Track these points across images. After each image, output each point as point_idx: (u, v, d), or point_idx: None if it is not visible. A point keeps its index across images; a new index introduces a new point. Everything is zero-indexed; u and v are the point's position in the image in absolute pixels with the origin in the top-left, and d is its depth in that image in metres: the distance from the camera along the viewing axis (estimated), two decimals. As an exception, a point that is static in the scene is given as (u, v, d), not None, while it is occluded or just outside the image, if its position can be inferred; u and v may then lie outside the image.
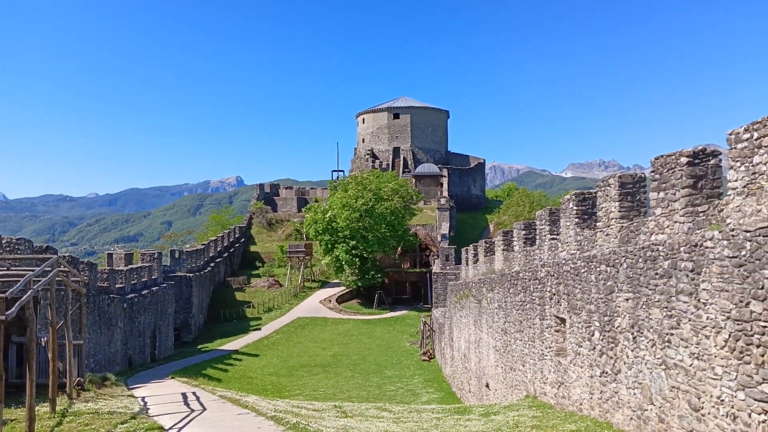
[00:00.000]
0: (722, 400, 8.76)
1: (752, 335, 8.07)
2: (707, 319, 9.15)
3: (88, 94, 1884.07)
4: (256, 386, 34.00)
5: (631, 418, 11.78)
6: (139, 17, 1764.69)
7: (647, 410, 11.14)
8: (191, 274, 56.20)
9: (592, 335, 13.81)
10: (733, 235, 8.46)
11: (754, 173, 8.29)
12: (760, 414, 7.93)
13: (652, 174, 11.14)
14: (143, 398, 20.84)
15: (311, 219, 66.06)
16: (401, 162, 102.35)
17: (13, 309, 12.68)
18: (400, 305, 65.03)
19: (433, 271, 59.31)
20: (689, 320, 9.66)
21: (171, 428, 15.19)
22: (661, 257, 10.58)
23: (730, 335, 8.56)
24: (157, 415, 16.92)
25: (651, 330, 10.99)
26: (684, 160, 10.09)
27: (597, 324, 13.54)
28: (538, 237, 18.97)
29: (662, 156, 10.80)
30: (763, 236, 7.79)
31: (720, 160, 10.11)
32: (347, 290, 67.96)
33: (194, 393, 22.85)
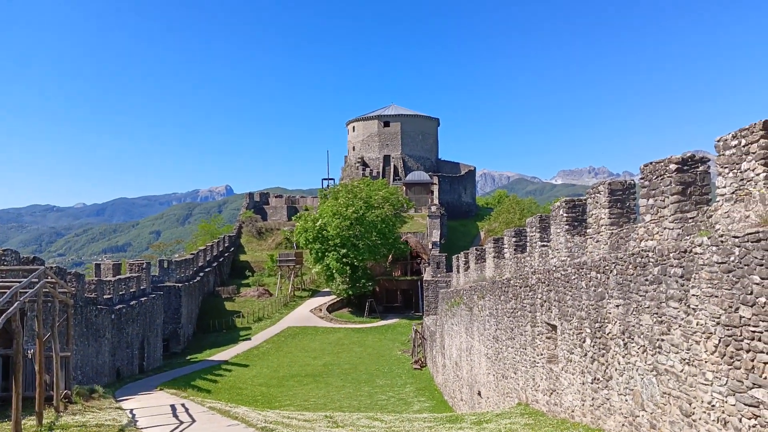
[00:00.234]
0: (713, 406, 8.77)
1: (742, 340, 8.09)
2: (697, 324, 9.17)
3: (75, 102, 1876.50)
4: (246, 397, 33.73)
5: (623, 425, 11.77)
6: (128, 25, 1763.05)
7: (639, 416, 11.13)
8: (180, 284, 55.82)
9: (584, 342, 13.82)
10: (722, 241, 8.50)
11: (742, 179, 8.35)
12: (750, 419, 7.94)
13: (642, 181, 11.20)
14: (131, 410, 20.60)
15: (301, 227, 65.89)
16: (392, 170, 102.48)
17: (-1, 321, 12.50)
18: (392, 313, 64.88)
19: (424, 278, 59.26)
20: (679, 326, 9.68)
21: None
22: (650, 263, 10.61)
23: (720, 341, 8.58)
24: (146, 428, 16.73)
25: (642, 336, 11.00)
26: (673, 166, 10.15)
27: (588, 330, 13.55)
28: (528, 244, 19.01)
29: (651, 163, 10.87)
30: (752, 242, 7.83)
31: (708, 167, 10.18)
32: (338, 299, 67.75)
33: (183, 404, 22.63)
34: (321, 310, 65.73)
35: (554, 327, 15.99)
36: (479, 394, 24.85)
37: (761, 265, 7.66)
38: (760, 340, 7.74)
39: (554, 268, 15.78)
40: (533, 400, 17.58)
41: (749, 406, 7.95)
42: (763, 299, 7.65)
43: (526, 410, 17.31)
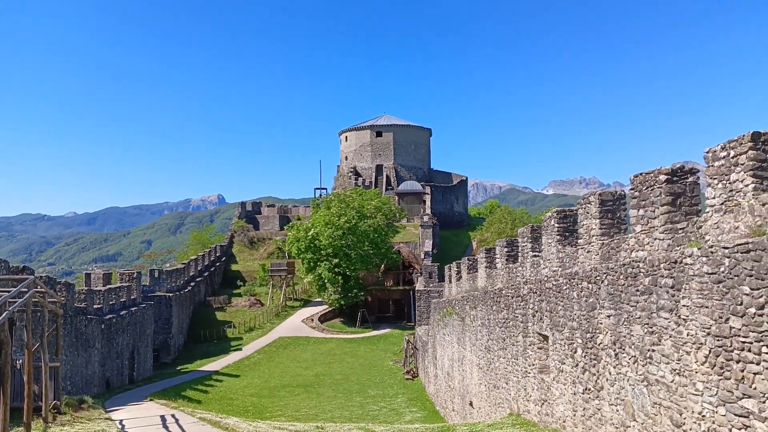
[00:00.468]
0: (703, 416, 8.80)
1: (732, 351, 8.13)
2: (688, 335, 9.21)
3: (67, 110, 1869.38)
4: (236, 407, 33.49)
5: (615, 436, 11.77)
6: (119, 32, 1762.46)
7: (630, 427, 11.15)
8: (171, 294, 55.50)
9: (575, 352, 13.84)
10: (711, 252, 8.56)
11: (731, 190, 8.43)
12: (740, 429, 7.97)
13: (632, 191, 11.28)
14: (121, 421, 20.42)
15: (293, 237, 65.77)
16: (384, 179, 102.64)
17: (-13, 331, 12.38)
18: (384, 323, 64.72)
19: (416, 288, 59.19)
20: (670, 336, 9.72)
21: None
22: (641, 274, 10.66)
23: (710, 351, 8.62)
24: (136, 439, 16.57)
25: (633, 346, 11.04)
26: (663, 177, 10.23)
27: (579, 341, 13.58)
28: (520, 254, 19.05)
29: (641, 174, 10.95)
30: (741, 253, 7.89)
31: (698, 178, 10.27)
32: (330, 309, 67.52)
33: (173, 415, 22.45)
34: (313, 320, 65.49)
35: (546, 337, 16.01)
36: (471, 404, 24.80)
37: (751, 276, 7.72)
38: (750, 350, 7.78)
39: (546, 279, 15.82)
40: (525, 410, 17.57)
41: (739, 416, 7.98)
42: (752, 310, 7.71)
43: (518, 420, 17.28)
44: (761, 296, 7.54)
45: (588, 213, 13.49)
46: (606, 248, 12.62)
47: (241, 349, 54.70)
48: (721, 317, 8.36)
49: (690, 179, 10.18)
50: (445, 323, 31.59)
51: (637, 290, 10.79)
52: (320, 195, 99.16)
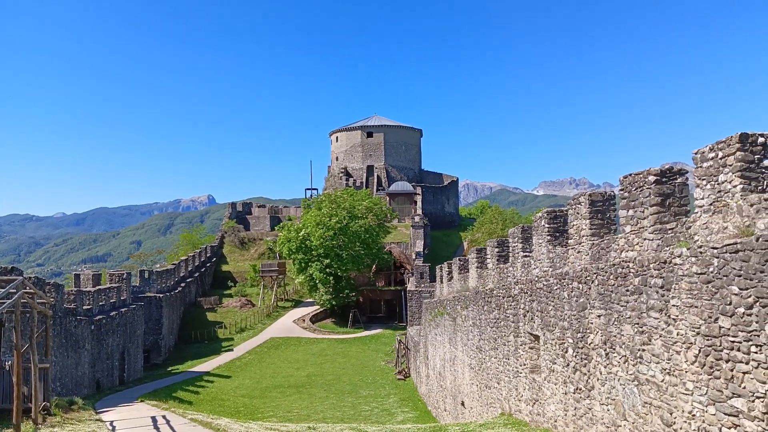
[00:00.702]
0: (693, 415, 8.87)
1: (721, 350, 8.21)
2: (677, 334, 9.29)
3: (55, 110, 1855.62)
4: (228, 408, 33.39)
5: (605, 435, 11.85)
6: (109, 33, 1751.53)
7: (621, 426, 11.22)
8: (161, 295, 55.23)
9: (566, 352, 13.91)
10: (700, 252, 8.64)
11: (719, 191, 8.52)
12: (730, 428, 8.04)
13: (622, 192, 11.36)
14: (111, 422, 20.31)
15: (284, 237, 65.64)
16: (375, 180, 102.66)
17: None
18: (375, 324, 64.72)
19: (407, 289, 59.25)
20: (660, 336, 9.80)
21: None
22: (631, 274, 10.74)
23: (700, 350, 8.70)
24: (126, 440, 16.50)
25: (623, 346, 11.11)
26: (652, 178, 10.31)
27: (570, 340, 13.65)
28: (511, 254, 19.13)
29: (631, 175, 11.03)
30: (730, 253, 7.97)
31: (687, 179, 10.36)
32: (321, 309, 67.44)
33: (164, 416, 22.36)
34: (304, 320, 65.38)
35: (537, 337, 16.09)
36: (463, 404, 24.86)
37: (740, 276, 7.80)
38: (739, 350, 7.86)
39: (537, 279, 15.90)
40: (516, 410, 17.64)
41: (729, 415, 8.06)
42: (741, 309, 7.79)
43: (510, 420, 17.35)
44: (750, 296, 7.62)
45: (578, 213, 13.56)
46: (596, 248, 12.70)
47: (232, 350, 54.53)
48: (710, 317, 8.44)
49: (679, 180, 10.26)
50: (436, 323, 31.65)
51: (627, 290, 10.86)
52: (311, 195, 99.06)
